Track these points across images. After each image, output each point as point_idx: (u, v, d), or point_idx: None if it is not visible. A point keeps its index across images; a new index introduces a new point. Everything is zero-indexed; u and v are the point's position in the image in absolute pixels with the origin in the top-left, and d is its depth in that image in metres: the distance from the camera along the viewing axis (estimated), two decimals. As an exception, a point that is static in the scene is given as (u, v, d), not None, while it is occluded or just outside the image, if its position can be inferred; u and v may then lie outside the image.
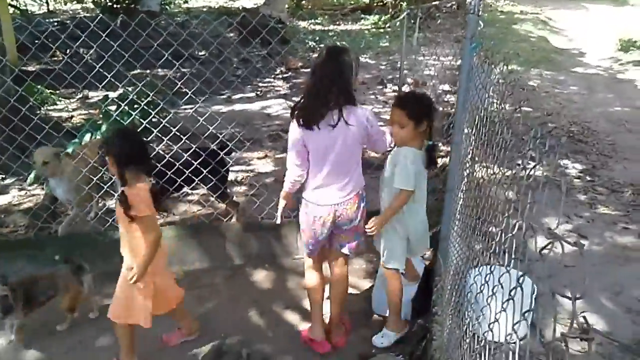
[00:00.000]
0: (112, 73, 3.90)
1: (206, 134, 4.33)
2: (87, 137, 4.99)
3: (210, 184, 4.17)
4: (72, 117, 7.28)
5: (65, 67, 3.75)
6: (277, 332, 3.40)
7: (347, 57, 2.73)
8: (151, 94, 5.62)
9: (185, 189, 4.22)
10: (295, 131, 2.80)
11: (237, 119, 7.04)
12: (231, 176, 5.40)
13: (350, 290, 3.45)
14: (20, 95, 3.96)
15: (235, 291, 3.78)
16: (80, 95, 8.00)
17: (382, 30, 13.37)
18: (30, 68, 8.67)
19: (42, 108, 6.90)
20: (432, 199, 3.75)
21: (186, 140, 4.45)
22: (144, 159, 2.77)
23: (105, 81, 3.93)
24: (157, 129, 3.94)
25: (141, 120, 4.62)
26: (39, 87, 6.78)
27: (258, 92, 8.45)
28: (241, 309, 3.60)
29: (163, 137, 4.10)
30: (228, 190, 4.34)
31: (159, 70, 9.40)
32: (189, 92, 4.39)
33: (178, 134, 4.10)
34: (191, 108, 7.22)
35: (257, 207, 4.17)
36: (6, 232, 4.32)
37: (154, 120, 4.52)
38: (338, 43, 11.60)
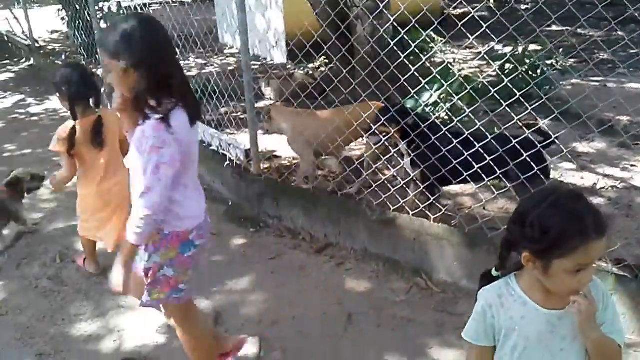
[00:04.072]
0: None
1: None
2: (427, 95, 4.44)
3: (517, 182, 3.06)
4: (462, 69, 6.82)
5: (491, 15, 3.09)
6: None
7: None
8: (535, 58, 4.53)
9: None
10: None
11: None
12: (589, 181, 4.00)
13: None
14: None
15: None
16: (485, 48, 7.39)
17: None
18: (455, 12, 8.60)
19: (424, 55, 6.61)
20: None
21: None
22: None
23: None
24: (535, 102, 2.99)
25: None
26: (431, 34, 6.48)
27: None
28: None
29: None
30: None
31: (582, 30, 7.83)
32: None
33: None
34: (599, 82, 5.83)
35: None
36: (320, 174, 4.33)
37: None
38: None
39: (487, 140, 3.04)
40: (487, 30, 2.97)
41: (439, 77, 3.66)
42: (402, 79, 3.31)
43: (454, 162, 3.06)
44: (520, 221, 1.39)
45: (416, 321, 2.93)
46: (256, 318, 2.99)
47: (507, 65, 5.67)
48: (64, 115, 5.84)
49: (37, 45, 9.18)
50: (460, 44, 7.45)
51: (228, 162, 4.19)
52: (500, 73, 5.05)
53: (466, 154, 3.01)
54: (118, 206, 3.03)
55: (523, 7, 10.14)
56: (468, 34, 3.04)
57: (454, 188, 3.90)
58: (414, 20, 3.18)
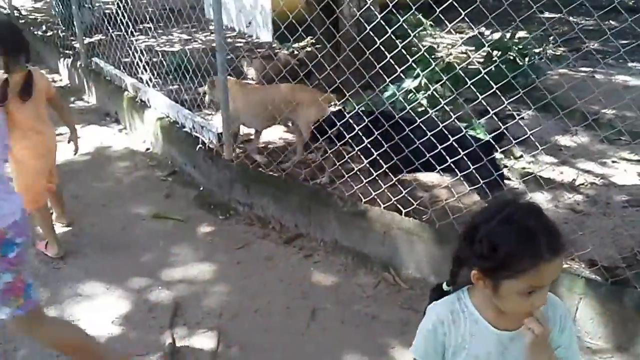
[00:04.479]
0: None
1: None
2: (408, 81, 4.30)
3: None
4: (450, 54, 6.66)
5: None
6: None
7: None
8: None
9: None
10: None
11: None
12: (568, 176, 3.91)
13: None
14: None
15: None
16: (473, 33, 7.21)
17: None
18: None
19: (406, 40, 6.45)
20: None
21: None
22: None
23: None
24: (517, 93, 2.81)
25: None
26: (419, 17, 6.30)
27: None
28: None
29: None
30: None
31: (575, 18, 7.68)
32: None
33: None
34: (587, 72, 5.69)
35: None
36: (295, 159, 4.20)
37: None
38: None
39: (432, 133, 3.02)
40: (467, 18, 2.82)
41: (415, 65, 3.55)
42: (377, 66, 3.17)
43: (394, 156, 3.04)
44: (470, 236, 1.28)
45: (381, 318, 2.85)
46: (217, 310, 2.89)
47: (495, 53, 5.53)
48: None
49: (17, 14, 8.89)
50: (444, 28, 7.30)
51: (200, 145, 4.06)
52: (480, 62, 4.93)
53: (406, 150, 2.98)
54: (47, 157, 3.19)
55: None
56: (445, 20, 2.90)
57: (430, 180, 3.81)
58: (391, 4, 3.03)
